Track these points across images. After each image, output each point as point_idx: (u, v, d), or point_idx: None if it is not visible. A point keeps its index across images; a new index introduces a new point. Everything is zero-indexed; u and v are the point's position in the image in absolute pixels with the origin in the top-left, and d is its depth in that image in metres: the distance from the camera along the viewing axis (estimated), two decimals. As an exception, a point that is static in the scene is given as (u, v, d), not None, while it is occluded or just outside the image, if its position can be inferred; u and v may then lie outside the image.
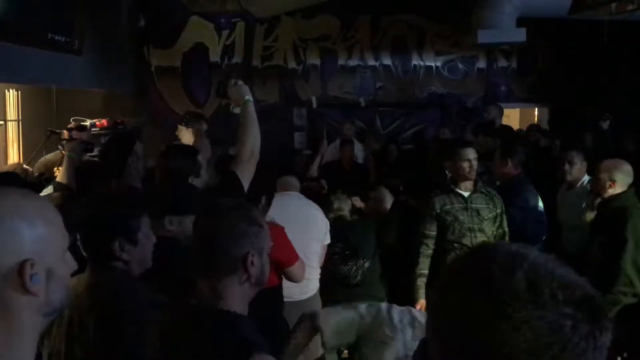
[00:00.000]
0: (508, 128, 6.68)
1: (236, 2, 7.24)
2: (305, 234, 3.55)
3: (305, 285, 3.49)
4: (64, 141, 3.91)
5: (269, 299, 3.03)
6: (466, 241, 3.71)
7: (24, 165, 4.43)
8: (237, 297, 1.55)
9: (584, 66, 8.00)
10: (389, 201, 4.32)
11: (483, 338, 0.77)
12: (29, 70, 5.09)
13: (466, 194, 3.80)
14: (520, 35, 6.55)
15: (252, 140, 2.62)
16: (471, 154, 3.79)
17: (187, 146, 3.40)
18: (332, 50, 8.42)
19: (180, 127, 4.62)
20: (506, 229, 3.85)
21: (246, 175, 2.59)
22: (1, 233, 0.95)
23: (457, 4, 7.32)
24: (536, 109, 9.57)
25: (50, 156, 4.40)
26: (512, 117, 9.75)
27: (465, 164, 3.75)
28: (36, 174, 4.23)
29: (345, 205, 4.08)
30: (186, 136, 4.56)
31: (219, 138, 4.83)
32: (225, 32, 8.30)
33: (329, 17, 8.30)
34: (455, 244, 3.73)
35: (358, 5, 8.15)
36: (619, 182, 3.67)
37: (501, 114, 6.89)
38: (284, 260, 3.05)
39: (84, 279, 1.88)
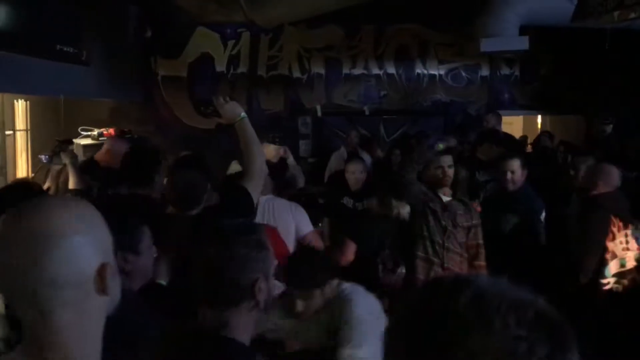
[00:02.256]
0: (511, 137, 6.69)
1: (241, 12, 7.32)
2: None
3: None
4: (61, 152, 4.00)
5: None
6: (437, 239, 3.69)
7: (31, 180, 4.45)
8: (242, 326, 1.49)
9: (587, 74, 8.03)
10: None
11: None
12: (37, 80, 5.16)
13: (445, 199, 3.80)
14: (523, 43, 6.57)
15: (259, 155, 2.63)
16: (448, 160, 3.79)
17: (199, 157, 3.37)
18: (336, 59, 8.49)
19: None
20: (480, 241, 3.82)
21: (257, 190, 2.59)
22: (86, 240, 0.96)
23: (460, 13, 7.36)
24: (539, 116, 9.60)
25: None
26: (516, 124, 9.78)
27: (439, 171, 3.76)
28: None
29: (402, 209, 3.84)
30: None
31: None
32: (230, 42, 8.39)
33: (333, 27, 8.37)
34: (428, 242, 3.71)
35: (362, 15, 8.21)
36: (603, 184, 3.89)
37: (500, 121, 6.90)
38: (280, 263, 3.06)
39: None
